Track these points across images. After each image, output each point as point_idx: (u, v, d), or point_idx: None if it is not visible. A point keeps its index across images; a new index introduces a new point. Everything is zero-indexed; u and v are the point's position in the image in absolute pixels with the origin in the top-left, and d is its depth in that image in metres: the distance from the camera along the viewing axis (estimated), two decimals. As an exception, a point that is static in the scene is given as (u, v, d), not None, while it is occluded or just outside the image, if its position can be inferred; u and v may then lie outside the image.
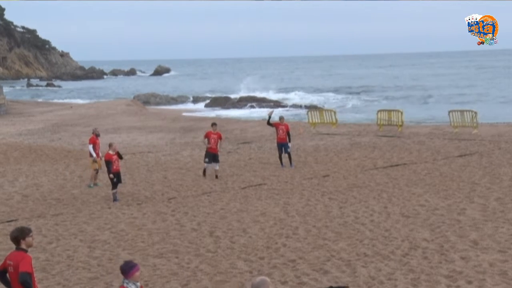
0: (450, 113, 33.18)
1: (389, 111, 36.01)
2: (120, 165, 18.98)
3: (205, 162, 21.67)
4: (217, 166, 21.64)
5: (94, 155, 20.86)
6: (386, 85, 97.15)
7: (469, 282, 10.83)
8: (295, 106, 64.30)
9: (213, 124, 22.16)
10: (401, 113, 34.19)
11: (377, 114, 35.69)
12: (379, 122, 34.73)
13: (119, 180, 18.71)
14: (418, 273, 11.35)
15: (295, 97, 77.54)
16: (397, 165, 22.81)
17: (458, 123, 32.43)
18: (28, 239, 8.05)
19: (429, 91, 79.81)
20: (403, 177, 20.63)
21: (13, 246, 8.19)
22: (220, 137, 21.87)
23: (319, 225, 14.96)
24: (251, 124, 40.00)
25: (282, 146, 23.48)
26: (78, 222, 16.19)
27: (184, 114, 54.15)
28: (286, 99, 73.07)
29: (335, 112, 37.69)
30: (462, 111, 33.44)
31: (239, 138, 33.48)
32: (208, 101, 70.05)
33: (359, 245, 13.20)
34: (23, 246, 8.04)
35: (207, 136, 21.80)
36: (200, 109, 64.22)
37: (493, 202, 16.56)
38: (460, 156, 24.42)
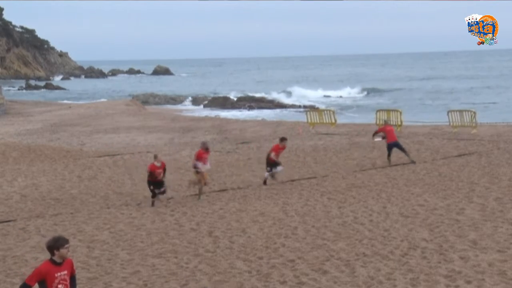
0: (449, 113, 33.20)
1: (388, 111, 36.04)
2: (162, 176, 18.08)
3: (267, 171, 20.50)
4: (278, 169, 20.45)
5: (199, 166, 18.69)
6: (394, 85, 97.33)
7: (468, 282, 10.82)
8: (294, 106, 64.41)
9: (283, 139, 20.95)
10: (400, 113, 34.21)
11: (376, 114, 35.70)
12: (378, 122, 34.72)
13: (159, 188, 17.97)
14: (417, 273, 11.34)
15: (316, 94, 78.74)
16: (396, 165, 22.81)
17: (457, 123, 32.45)
18: (63, 250, 7.73)
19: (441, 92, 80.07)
20: (402, 177, 20.63)
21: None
22: (283, 149, 20.91)
23: (318, 225, 14.95)
24: (250, 124, 39.99)
25: (394, 146, 23.35)
26: (77, 222, 16.18)
27: (183, 114, 54.15)
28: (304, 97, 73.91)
29: (333, 112, 37.69)
30: (461, 111, 33.48)
31: (238, 138, 33.47)
32: (206, 101, 70.11)
33: (358, 245, 13.19)
34: (56, 257, 7.74)
35: (274, 150, 20.50)
36: (199, 109, 64.28)
37: (492, 202, 16.56)
38: (459, 156, 24.42)
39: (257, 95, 73.33)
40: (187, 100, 74.39)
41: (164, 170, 18.11)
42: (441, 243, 13.11)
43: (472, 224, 14.49)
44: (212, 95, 78.07)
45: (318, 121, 36.89)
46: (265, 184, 20.41)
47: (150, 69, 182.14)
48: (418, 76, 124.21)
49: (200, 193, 18.65)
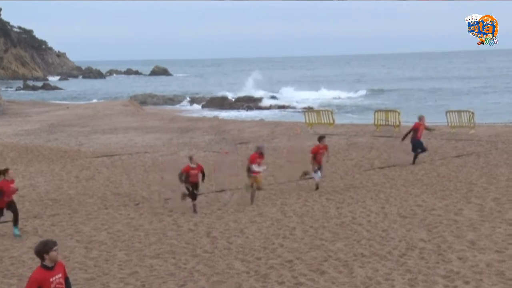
0: (447, 114, 33.20)
1: (386, 111, 36.02)
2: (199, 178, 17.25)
3: (314, 172, 19.14)
4: (319, 175, 19.15)
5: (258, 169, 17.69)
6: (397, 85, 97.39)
7: (466, 283, 10.81)
8: (292, 106, 64.45)
9: (322, 138, 19.75)
10: (398, 113, 34.20)
11: (374, 114, 35.68)
12: (376, 123, 34.71)
13: (194, 191, 17.06)
14: (415, 274, 11.33)
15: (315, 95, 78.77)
16: (394, 166, 22.80)
17: (455, 123, 32.45)
18: (52, 253, 7.60)
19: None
20: (400, 177, 20.62)
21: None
22: (326, 149, 19.66)
23: (316, 226, 14.94)
24: (248, 125, 39.95)
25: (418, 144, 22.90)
26: (75, 222, 16.15)
27: (181, 114, 54.12)
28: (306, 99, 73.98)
29: (332, 112, 37.66)
30: (459, 112, 33.48)
31: (236, 138, 33.43)
32: (205, 102, 70.09)
33: (356, 246, 13.18)
34: (47, 262, 7.61)
35: (314, 151, 19.39)
36: (197, 110, 64.27)
37: (490, 202, 16.55)
38: (457, 156, 24.41)
39: (256, 95, 73.29)
40: (185, 100, 74.41)
41: (203, 173, 17.14)
42: (439, 243, 13.10)
43: (470, 224, 14.48)
44: (210, 96, 78.00)
45: (316, 122, 36.86)
46: (317, 189, 19.02)
47: (148, 69, 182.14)
48: (418, 76, 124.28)
49: (253, 197, 17.67)
